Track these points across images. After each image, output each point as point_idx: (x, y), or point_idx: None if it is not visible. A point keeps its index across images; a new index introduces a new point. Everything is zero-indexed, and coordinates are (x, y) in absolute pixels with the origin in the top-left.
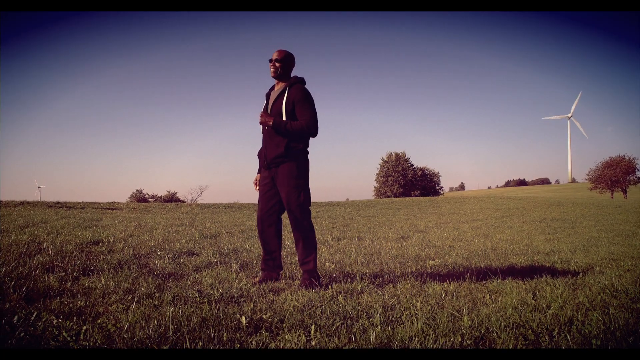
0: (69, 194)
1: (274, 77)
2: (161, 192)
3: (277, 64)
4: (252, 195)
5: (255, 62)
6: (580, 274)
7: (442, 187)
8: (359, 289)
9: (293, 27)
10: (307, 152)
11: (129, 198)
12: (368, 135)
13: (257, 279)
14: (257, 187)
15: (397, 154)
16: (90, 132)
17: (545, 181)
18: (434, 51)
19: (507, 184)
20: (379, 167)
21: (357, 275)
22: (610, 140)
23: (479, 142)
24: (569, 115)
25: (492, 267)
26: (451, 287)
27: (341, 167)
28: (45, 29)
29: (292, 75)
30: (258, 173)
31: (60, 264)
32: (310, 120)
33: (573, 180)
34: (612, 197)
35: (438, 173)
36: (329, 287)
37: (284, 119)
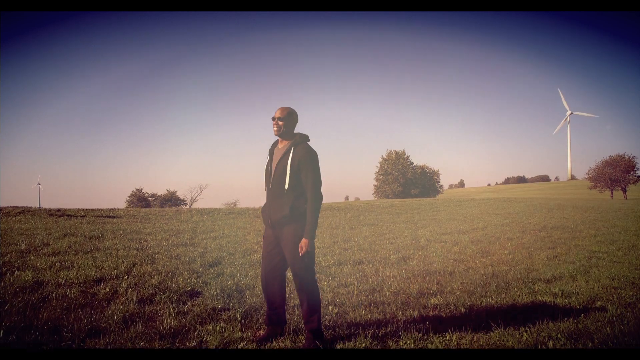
0: (69, 192)
1: (276, 135)
2: (161, 191)
3: (280, 123)
4: (250, 198)
5: (257, 62)
6: (582, 314)
7: (441, 186)
8: (363, 347)
9: (294, 26)
10: None
11: (128, 197)
12: (368, 132)
13: (261, 332)
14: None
15: (396, 153)
16: (90, 129)
17: (544, 178)
18: (434, 49)
19: (507, 181)
20: (378, 165)
21: (360, 328)
22: (610, 138)
23: (479, 138)
24: (569, 113)
25: (494, 308)
26: (454, 340)
27: (341, 165)
28: (45, 30)
29: (295, 130)
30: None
31: (65, 322)
32: (313, 188)
33: (573, 178)
34: (612, 197)
35: (438, 171)
36: (333, 346)
37: (289, 178)
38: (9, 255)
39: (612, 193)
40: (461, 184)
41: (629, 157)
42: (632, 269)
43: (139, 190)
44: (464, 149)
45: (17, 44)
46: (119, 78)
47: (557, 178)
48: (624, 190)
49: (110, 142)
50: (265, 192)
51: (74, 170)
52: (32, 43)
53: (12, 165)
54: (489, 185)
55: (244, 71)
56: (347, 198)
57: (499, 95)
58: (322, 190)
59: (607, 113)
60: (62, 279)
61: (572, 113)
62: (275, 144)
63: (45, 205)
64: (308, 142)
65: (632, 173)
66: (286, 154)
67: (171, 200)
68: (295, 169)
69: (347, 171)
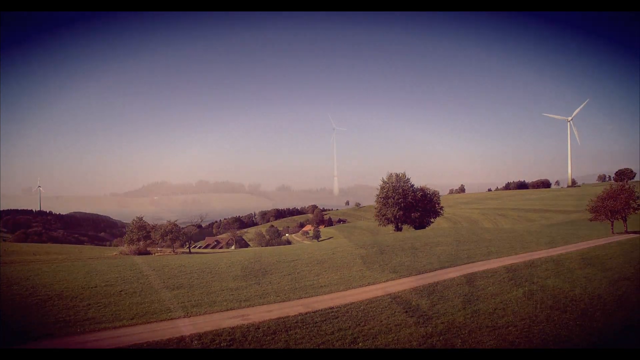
0: (68, 194)
1: None
2: (161, 221)
3: None
4: (247, 200)
5: (257, 64)
6: None
7: (442, 207)
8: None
9: (295, 28)
10: None
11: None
12: (368, 134)
13: None
14: None
15: (397, 175)
16: (90, 130)
17: (545, 183)
18: (434, 51)
19: (507, 186)
20: (378, 188)
21: None
22: (610, 139)
23: (480, 141)
24: (569, 118)
25: None
26: None
27: (341, 168)
28: (45, 31)
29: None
30: None
31: None
32: None
33: (573, 183)
34: (612, 232)
35: (437, 192)
36: None
37: None
38: None
39: (612, 225)
40: (461, 189)
41: (630, 188)
42: None
43: (140, 219)
44: (466, 152)
45: (17, 45)
46: (121, 80)
47: (557, 182)
48: (624, 220)
49: (110, 143)
50: None
51: (74, 171)
52: (34, 44)
53: (13, 167)
54: (489, 190)
55: (246, 73)
56: (347, 203)
57: (500, 97)
58: (325, 195)
59: (607, 114)
60: None
61: (571, 119)
62: None
63: (46, 206)
64: None
65: (632, 203)
66: None
67: (172, 231)
68: None
69: (347, 173)
